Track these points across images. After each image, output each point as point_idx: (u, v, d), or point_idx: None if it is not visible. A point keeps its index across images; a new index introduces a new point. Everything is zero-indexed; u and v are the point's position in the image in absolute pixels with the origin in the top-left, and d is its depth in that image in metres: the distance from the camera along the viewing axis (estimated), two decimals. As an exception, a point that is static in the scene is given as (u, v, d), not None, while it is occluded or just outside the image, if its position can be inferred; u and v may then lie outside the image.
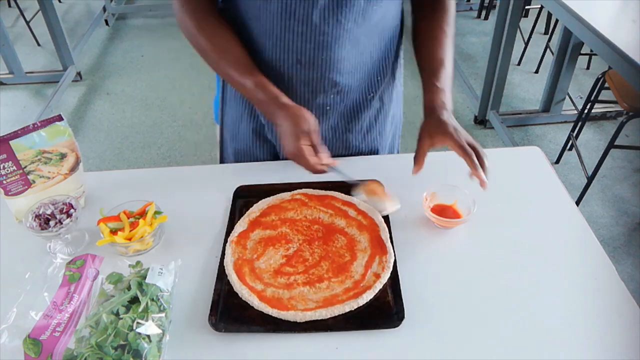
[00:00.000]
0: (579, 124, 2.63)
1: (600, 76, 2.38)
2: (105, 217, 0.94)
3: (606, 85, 2.33)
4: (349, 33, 0.97)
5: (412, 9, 1.09)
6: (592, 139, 2.88)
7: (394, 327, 0.78)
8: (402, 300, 0.81)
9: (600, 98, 2.47)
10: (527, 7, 3.63)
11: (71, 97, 3.39)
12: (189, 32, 1.00)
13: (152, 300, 0.77)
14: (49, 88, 3.42)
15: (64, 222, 0.92)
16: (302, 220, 0.96)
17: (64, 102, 3.32)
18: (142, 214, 0.94)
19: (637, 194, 2.50)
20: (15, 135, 0.95)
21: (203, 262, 0.91)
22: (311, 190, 1.03)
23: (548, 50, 3.34)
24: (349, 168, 0.96)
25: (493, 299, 0.83)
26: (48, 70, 3.60)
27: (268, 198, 1.02)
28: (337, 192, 1.02)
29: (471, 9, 4.42)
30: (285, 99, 0.94)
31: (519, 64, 3.60)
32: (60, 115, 1.00)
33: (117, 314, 0.74)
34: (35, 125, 0.97)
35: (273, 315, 0.79)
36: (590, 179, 2.31)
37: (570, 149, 2.76)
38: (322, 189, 1.03)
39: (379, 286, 0.83)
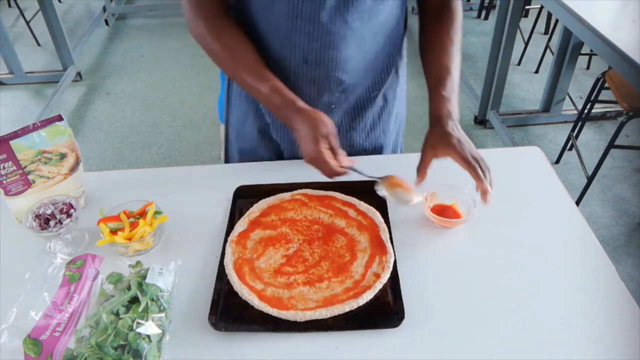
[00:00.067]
0: (579, 124, 2.63)
1: (600, 76, 2.38)
2: (105, 217, 0.94)
3: (606, 85, 2.33)
4: (355, 32, 0.98)
5: (419, 14, 1.09)
6: (592, 139, 2.88)
7: (394, 327, 0.78)
8: (402, 300, 0.81)
9: (600, 98, 2.47)
10: (527, 7, 3.63)
11: (71, 97, 3.39)
12: (202, 37, 1.00)
13: (152, 300, 0.77)
14: (49, 88, 3.42)
15: (64, 222, 0.92)
16: (302, 221, 0.96)
17: (64, 102, 3.32)
18: (142, 214, 0.95)
19: (637, 194, 2.50)
20: (15, 135, 0.95)
21: (203, 262, 0.91)
22: (311, 190, 1.03)
23: (548, 50, 3.34)
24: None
25: (493, 299, 0.83)
26: (48, 70, 3.60)
27: (268, 198, 1.02)
28: (337, 193, 1.02)
29: (471, 9, 4.42)
30: (301, 103, 0.94)
31: (519, 64, 3.60)
32: (60, 115, 1.00)
33: (117, 314, 0.74)
34: (35, 125, 0.97)
35: (273, 314, 0.79)
36: (590, 179, 2.31)
37: (570, 149, 2.76)
38: (322, 189, 1.03)
39: (379, 286, 0.83)
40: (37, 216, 0.94)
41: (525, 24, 3.59)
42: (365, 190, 1.01)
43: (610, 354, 0.75)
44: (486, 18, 4.28)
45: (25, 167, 0.97)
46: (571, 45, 2.70)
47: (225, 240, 0.93)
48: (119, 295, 0.77)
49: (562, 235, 0.95)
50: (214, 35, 0.99)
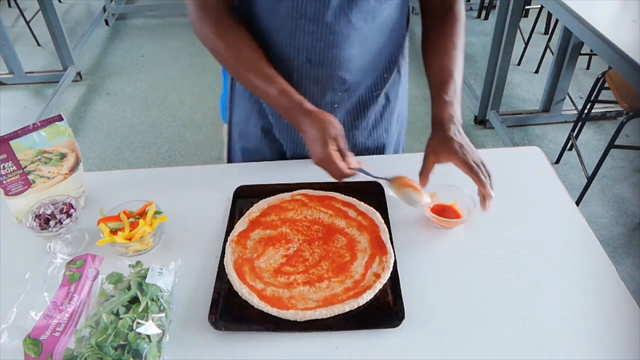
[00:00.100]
0: (579, 124, 2.63)
1: (600, 76, 2.38)
2: (105, 217, 0.94)
3: (606, 85, 2.33)
4: (358, 32, 0.98)
5: (422, 17, 1.09)
6: (592, 139, 2.88)
7: (394, 327, 0.78)
8: (402, 300, 0.81)
9: (600, 98, 2.47)
10: (527, 7, 3.63)
11: (71, 97, 3.39)
12: (208, 39, 1.00)
13: (152, 300, 0.77)
14: (49, 88, 3.42)
15: (64, 222, 0.92)
16: (302, 221, 0.96)
17: (64, 102, 3.32)
18: (142, 214, 0.95)
19: (637, 194, 2.50)
20: (15, 135, 0.95)
21: (203, 262, 0.91)
22: (311, 190, 1.03)
23: (548, 50, 3.34)
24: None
25: (493, 299, 0.83)
26: (48, 70, 3.60)
27: (268, 198, 1.02)
28: (337, 193, 1.02)
29: (471, 9, 4.42)
30: (309, 105, 0.94)
31: (519, 64, 3.60)
32: (60, 115, 1.00)
33: (117, 314, 0.74)
34: (35, 125, 0.97)
35: (273, 314, 0.79)
36: (590, 179, 2.31)
37: (570, 149, 2.76)
38: (322, 190, 1.03)
39: (379, 286, 0.83)
40: (37, 216, 0.94)
41: (525, 24, 3.59)
42: (365, 191, 1.01)
43: (610, 354, 0.75)
44: (486, 18, 4.28)
45: (25, 167, 0.97)
46: (571, 45, 2.70)
47: (225, 240, 0.93)
48: (119, 295, 0.77)
49: (562, 235, 0.95)
50: (219, 37, 0.99)
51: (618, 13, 2.12)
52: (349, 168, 0.91)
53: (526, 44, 3.56)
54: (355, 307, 0.80)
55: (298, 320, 0.79)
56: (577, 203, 2.29)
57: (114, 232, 0.92)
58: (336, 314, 0.79)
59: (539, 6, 3.46)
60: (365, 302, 0.81)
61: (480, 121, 3.04)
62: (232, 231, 0.95)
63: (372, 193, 1.02)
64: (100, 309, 0.75)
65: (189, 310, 0.83)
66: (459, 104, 0.97)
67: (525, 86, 3.40)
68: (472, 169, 0.88)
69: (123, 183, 1.11)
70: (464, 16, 1.06)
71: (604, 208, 2.43)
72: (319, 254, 0.90)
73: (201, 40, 1.02)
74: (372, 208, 0.97)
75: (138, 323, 0.73)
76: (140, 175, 1.19)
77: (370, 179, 0.95)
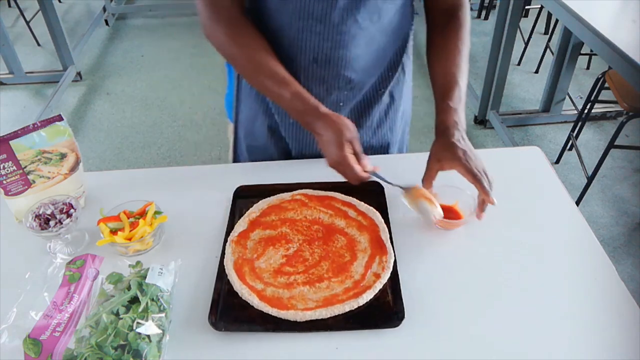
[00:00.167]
0: (579, 124, 2.63)
1: (600, 76, 2.38)
2: (105, 217, 0.94)
3: (606, 85, 2.33)
4: (364, 32, 0.98)
5: (427, 22, 1.09)
6: (592, 139, 2.88)
7: (394, 327, 0.78)
8: (402, 300, 0.81)
9: (600, 98, 2.47)
10: (527, 7, 3.63)
11: (71, 97, 3.39)
12: (220, 41, 0.99)
13: (152, 300, 0.77)
14: (49, 88, 3.42)
15: (64, 222, 0.92)
16: (302, 221, 0.96)
17: (64, 102, 3.32)
18: (142, 214, 0.95)
19: (637, 194, 2.50)
20: (15, 135, 0.95)
21: (203, 262, 0.91)
22: (311, 190, 1.03)
23: (548, 50, 3.34)
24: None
25: (493, 299, 0.83)
26: (48, 70, 3.60)
27: (268, 198, 1.02)
28: (337, 193, 1.02)
29: (471, 8, 4.40)
30: (324, 109, 0.94)
31: (519, 64, 3.60)
32: (60, 115, 1.00)
33: (117, 314, 0.74)
34: (35, 125, 0.97)
35: (273, 314, 0.79)
36: (590, 179, 2.31)
37: (570, 149, 2.76)
38: (322, 190, 1.03)
39: (379, 286, 0.83)
40: (37, 216, 0.94)
41: (525, 24, 3.59)
42: (365, 191, 1.01)
43: (610, 354, 0.75)
44: (486, 18, 4.28)
45: (25, 167, 0.97)
46: (571, 45, 2.70)
47: (225, 240, 0.93)
48: (119, 295, 0.77)
49: (562, 235, 0.95)
50: (232, 39, 0.98)
51: (618, 13, 2.12)
52: (364, 171, 0.91)
53: (526, 44, 3.56)
54: (355, 307, 0.80)
55: (298, 320, 0.79)
56: (577, 203, 2.29)
57: (114, 232, 0.92)
58: (336, 314, 0.79)
59: (539, 6, 3.46)
60: (365, 302, 0.81)
61: (480, 121, 3.04)
62: (232, 231, 0.95)
63: (372, 193, 1.02)
64: (100, 309, 0.75)
65: (189, 310, 0.83)
66: (464, 110, 0.97)
67: (525, 86, 3.40)
68: (475, 176, 0.88)
69: (123, 183, 1.11)
70: (469, 21, 1.05)
71: (604, 208, 2.43)
72: (319, 254, 0.90)
73: (212, 42, 1.00)
74: (372, 208, 0.97)
75: (138, 323, 0.73)
76: (140, 175, 1.19)
77: (397, 183, 0.94)
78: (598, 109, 2.89)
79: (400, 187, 0.95)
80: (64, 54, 3.47)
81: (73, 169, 1.02)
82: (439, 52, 1.04)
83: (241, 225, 0.96)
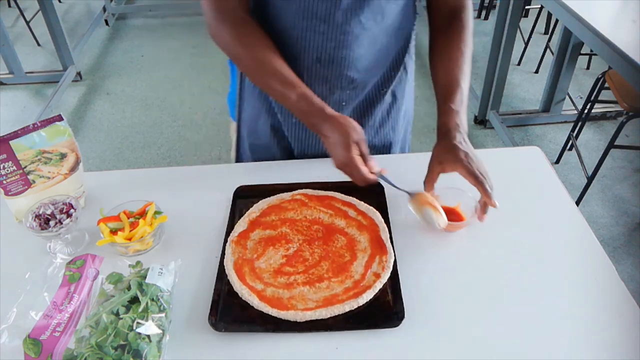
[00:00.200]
0: (579, 124, 2.63)
1: (600, 76, 2.38)
2: (105, 217, 0.94)
3: (606, 85, 2.33)
4: (368, 32, 0.99)
5: (429, 24, 1.09)
6: (592, 139, 2.88)
7: (394, 327, 0.78)
8: (402, 300, 0.81)
9: (600, 98, 2.47)
10: (527, 7, 3.63)
11: (71, 97, 3.39)
12: (225, 42, 0.99)
13: (152, 300, 0.77)
14: (49, 88, 3.42)
15: (64, 222, 0.92)
16: (302, 221, 0.96)
17: (64, 102, 3.32)
18: (142, 214, 0.95)
19: (637, 194, 2.50)
20: (15, 135, 0.95)
21: (203, 262, 0.91)
22: (311, 190, 1.03)
23: (548, 50, 3.34)
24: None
25: (492, 299, 0.83)
26: (48, 70, 3.60)
27: (268, 198, 1.02)
28: (337, 193, 1.02)
29: (471, 9, 4.41)
30: (330, 110, 0.94)
31: (519, 64, 3.60)
32: (60, 115, 1.00)
33: (117, 314, 0.74)
34: (35, 125, 0.97)
35: (273, 315, 0.79)
36: (590, 179, 2.31)
37: (570, 149, 2.76)
38: (322, 190, 1.03)
39: (379, 286, 0.83)
40: (37, 216, 0.94)
41: (525, 24, 3.59)
42: (365, 191, 1.01)
43: (610, 354, 0.75)
44: (486, 18, 4.28)
45: (25, 167, 0.97)
46: (571, 45, 2.70)
47: (225, 240, 0.93)
48: (119, 295, 0.77)
49: (562, 235, 0.95)
50: (237, 39, 0.97)
51: (618, 13, 2.12)
52: (371, 172, 0.91)
53: (526, 44, 3.56)
54: (355, 307, 0.80)
55: (298, 320, 0.79)
56: (577, 203, 2.29)
57: (114, 232, 0.92)
58: (336, 314, 0.79)
59: (539, 6, 3.46)
60: (365, 302, 0.81)
61: (480, 121, 3.04)
62: (232, 231, 0.95)
63: (372, 193, 1.02)
64: (100, 309, 0.75)
65: (189, 310, 0.83)
66: (465, 113, 0.97)
67: (525, 86, 3.40)
68: (477, 179, 0.88)
69: (123, 183, 1.11)
70: (471, 24, 1.05)
71: (604, 208, 2.43)
72: (319, 254, 0.90)
73: (217, 42, 1.00)
74: (372, 208, 0.97)
75: (138, 323, 0.73)
76: (140, 175, 1.19)
77: (403, 188, 0.94)
78: (598, 109, 2.89)
79: (407, 192, 0.94)
80: (64, 54, 3.46)
81: (73, 169, 1.02)
82: (441, 54, 1.04)
83: (241, 225, 0.96)
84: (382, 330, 0.78)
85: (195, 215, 1.01)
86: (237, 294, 0.83)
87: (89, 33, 4.04)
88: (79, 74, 3.55)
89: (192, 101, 3.31)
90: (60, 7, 4.59)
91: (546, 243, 0.93)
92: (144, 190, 1.04)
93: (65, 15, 4.50)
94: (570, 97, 2.96)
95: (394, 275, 0.85)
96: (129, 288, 0.78)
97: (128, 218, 0.93)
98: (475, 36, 1.06)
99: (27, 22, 3.88)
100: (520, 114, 3.04)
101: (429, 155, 0.95)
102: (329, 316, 0.79)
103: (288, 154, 1.19)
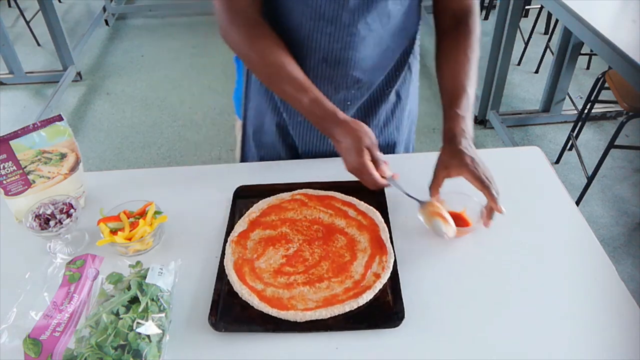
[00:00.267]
0: (579, 124, 2.63)
1: (600, 76, 2.38)
2: (105, 217, 0.94)
3: (606, 85, 2.33)
4: (374, 33, 0.99)
5: (435, 29, 1.08)
6: (592, 139, 2.88)
7: (394, 327, 0.78)
8: (402, 300, 0.81)
9: (600, 98, 2.47)
10: (527, 7, 3.63)
11: (71, 97, 3.39)
12: (238, 45, 0.99)
13: (152, 300, 0.77)
14: (49, 88, 3.42)
15: (64, 222, 0.92)
16: (302, 220, 0.96)
17: (64, 102, 3.32)
18: (142, 214, 0.95)
19: (637, 194, 2.50)
20: (15, 135, 0.95)
21: (203, 262, 0.91)
22: (311, 190, 1.03)
23: (548, 50, 3.34)
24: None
25: (492, 299, 0.83)
26: (48, 70, 3.60)
27: (268, 198, 1.02)
28: (337, 193, 1.02)
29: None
30: (342, 115, 0.94)
31: (519, 64, 3.60)
32: (60, 115, 1.00)
33: (117, 314, 0.74)
34: (35, 125, 0.97)
35: (273, 315, 0.79)
36: (590, 179, 2.31)
37: (570, 149, 2.76)
38: (322, 189, 1.03)
39: (379, 286, 0.83)
40: (37, 216, 0.94)
41: (525, 24, 3.59)
42: (365, 190, 1.01)
43: (610, 354, 0.75)
44: (486, 18, 4.27)
45: (25, 167, 0.97)
46: (571, 45, 2.70)
47: (225, 240, 0.93)
48: (119, 295, 0.77)
49: (562, 235, 0.95)
50: (250, 42, 0.97)
51: (618, 13, 2.12)
52: (383, 177, 0.91)
53: (526, 44, 3.56)
54: (355, 307, 0.80)
55: (298, 320, 0.79)
56: (577, 203, 2.29)
57: (114, 232, 0.92)
58: (336, 314, 0.79)
59: (539, 6, 3.46)
60: (365, 302, 0.81)
61: (480, 121, 3.04)
62: (232, 231, 0.95)
63: (372, 192, 1.01)
64: (100, 309, 0.75)
65: (189, 310, 0.83)
66: (471, 118, 0.96)
67: (525, 86, 3.40)
68: (483, 183, 0.87)
69: (123, 183, 1.11)
70: (478, 29, 1.04)
71: (604, 208, 2.43)
72: (319, 254, 0.90)
73: (229, 44, 1.00)
74: (372, 207, 0.97)
75: (138, 323, 0.73)
76: (140, 175, 1.19)
77: (413, 195, 0.94)
78: (598, 109, 2.89)
79: (417, 200, 0.94)
80: (64, 54, 3.46)
81: (73, 169, 1.02)
82: (447, 58, 1.04)
83: (241, 225, 0.96)
84: (382, 330, 0.78)
85: (195, 215, 1.01)
86: (237, 294, 0.83)
87: (89, 33, 4.04)
88: (79, 74, 3.55)
89: (192, 101, 3.31)
90: (60, 7, 4.59)
91: (546, 243, 0.93)
92: (144, 190, 1.04)
93: (65, 15, 4.50)
94: (570, 97, 2.96)
95: (394, 275, 0.85)
96: (129, 288, 0.78)
97: (128, 218, 0.93)
98: (476, 36, 1.05)
99: (27, 22, 3.88)
100: (520, 114, 3.04)
101: (433, 155, 0.95)
102: (329, 316, 0.79)
103: (293, 152, 1.19)
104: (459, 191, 0.95)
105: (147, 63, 3.79)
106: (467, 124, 0.95)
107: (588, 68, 3.52)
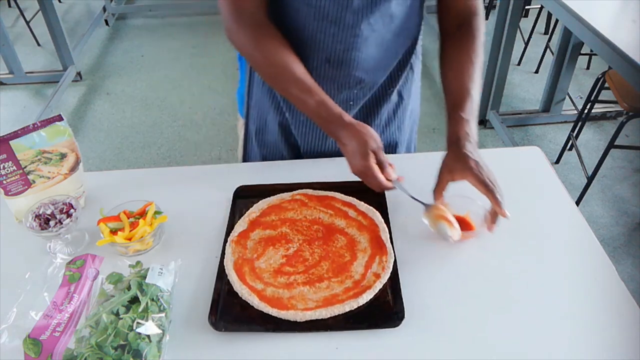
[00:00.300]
0: (579, 124, 2.63)
1: (600, 76, 2.38)
2: (105, 217, 0.94)
3: (606, 85, 2.33)
4: (377, 34, 0.99)
5: (440, 32, 1.08)
6: (592, 139, 2.88)
7: (394, 327, 0.78)
8: (402, 300, 0.81)
9: (600, 98, 2.47)
10: (527, 7, 3.63)
11: (71, 97, 3.39)
12: (244, 46, 0.99)
13: (152, 300, 0.77)
14: (49, 88, 3.42)
15: (64, 222, 0.92)
16: (302, 221, 0.96)
17: (64, 102, 3.32)
18: (142, 214, 0.95)
19: (637, 194, 2.50)
20: (15, 135, 0.95)
21: (203, 262, 0.91)
22: (311, 190, 1.03)
23: (548, 50, 3.34)
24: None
25: (492, 298, 0.83)
26: (48, 70, 3.60)
27: (268, 198, 1.02)
28: (337, 193, 1.02)
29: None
30: (348, 118, 0.94)
31: (519, 64, 3.60)
32: (60, 115, 1.00)
33: (117, 314, 0.74)
34: (35, 125, 0.97)
35: (273, 314, 0.79)
36: (590, 179, 2.31)
37: (570, 149, 2.76)
38: (322, 190, 1.03)
39: (378, 286, 0.83)
40: (37, 216, 0.94)
41: (525, 24, 3.59)
42: (365, 191, 1.01)
43: (610, 354, 0.75)
44: (486, 18, 4.27)
45: (25, 167, 0.97)
46: (571, 45, 2.70)
47: (225, 240, 0.93)
48: (119, 295, 0.77)
49: (562, 235, 0.95)
50: (256, 44, 0.97)
51: (618, 13, 2.12)
52: (388, 180, 0.91)
53: (526, 44, 3.56)
54: (355, 307, 0.80)
55: (298, 320, 0.79)
56: (577, 203, 2.29)
57: (114, 232, 0.92)
58: (336, 314, 0.79)
59: (539, 6, 3.46)
60: (365, 302, 0.81)
61: (480, 121, 3.04)
62: (232, 231, 0.95)
63: (372, 193, 1.01)
64: (100, 309, 0.75)
65: (189, 310, 0.83)
66: (476, 122, 0.96)
67: (525, 86, 3.40)
68: (487, 187, 0.87)
69: (123, 183, 1.11)
70: (483, 32, 1.04)
71: (604, 208, 2.43)
72: (319, 254, 0.90)
73: (236, 45, 1.00)
74: (372, 208, 0.97)
75: (138, 323, 0.73)
76: (140, 175, 1.19)
77: (418, 198, 0.94)
78: (598, 109, 2.89)
79: (422, 204, 0.94)
80: (64, 54, 3.46)
81: (73, 169, 1.02)
82: (452, 61, 1.03)
83: (241, 225, 0.96)
84: (382, 330, 0.78)
85: (195, 215, 1.01)
86: (237, 293, 0.83)
87: (89, 33, 4.04)
88: (79, 74, 3.55)
89: (192, 101, 3.31)
90: (60, 7, 4.59)
91: (546, 243, 0.93)
92: (144, 190, 1.04)
93: (65, 15, 4.50)
94: (570, 97, 2.96)
95: (394, 275, 0.85)
96: (129, 288, 0.78)
97: (128, 218, 0.93)
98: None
99: (27, 22, 3.88)
100: (520, 114, 3.04)
101: (434, 155, 0.95)
102: (329, 316, 0.79)
103: (295, 151, 1.19)
104: (462, 195, 0.94)
105: (147, 63, 3.79)
106: (472, 128, 0.94)
107: (588, 68, 3.52)
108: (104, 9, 4.35)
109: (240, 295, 0.83)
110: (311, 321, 0.79)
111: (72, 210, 0.95)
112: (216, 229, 0.98)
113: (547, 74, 2.95)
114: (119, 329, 0.72)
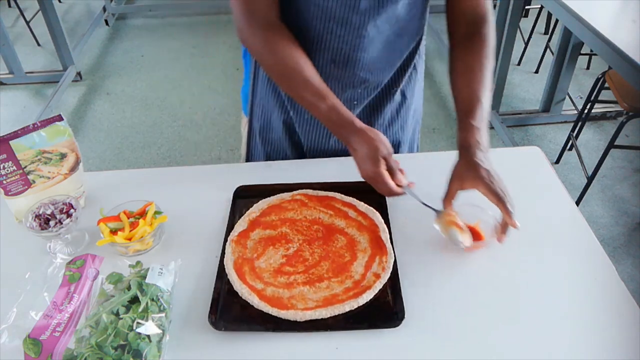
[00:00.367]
0: (579, 124, 2.63)
1: (600, 76, 2.38)
2: (105, 217, 0.94)
3: (606, 85, 2.33)
4: (382, 35, 0.99)
5: (449, 39, 1.07)
6: (592, 139, 2.88)
7: (394, 326, 0.78)
8: (402, 300, 0.81)
9: (600, 98, 2.47)
10: (527, 7, 3.63)
11: (71, 97, 3.39)
12: (256, 49, 0.98)
13: (152, 300, 0.77)
14: (49, 88, 3.42)
15: (64, 222, 0.92)
16: (302, 221, 0.96)
17: (64, 102, 3.32)
18: (142, 214, 0.95)
19: (637, 194, 2.50)
20: (15, 135, 0.95)
21: (203, 262, 0.91)
22: (311, 190, 1.03)
23: (548, 50, 3.34)
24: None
25: (492, 298, 0.83)
26: (48, 70, 3.59)
27: (268, 198, 1.02)
28: (337, 193, 1.02)
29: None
30: (359, 123, 0.94)
31: (519, 64, 3.60)
32: (60, 115, 1.00)
33: (117, 314, 0.74)
34: (35, 125, 0.97)
35: (273, 314, 0.79)
36: (590, 179, 2.31)
37: (570, 149, 2.76)
38: (322, 190, 1.03)
39: (378, 286, 0.83)
40: (37, 216, 0.94)
41: (525, 24, 3.59)
42: (365, 191, 1.01)
43: (610, 354, 0.75)
44: (486, 18, 4.28)
45: (25, 167, 0.97)
46: (571, 45, 2.70)
47: (225, 240, 0.93)
48: (119, 295, 0.77)
49: (562, 236, 0.95)
50: (269, 46, 0.96)
51: (618, 13, 2.12)
52: (398, 186, 0.91)
53: (526, 44, 3.56)
54: (355, 307, 0.80)
55: (298, 320, 0.79)
56: (577, 203, 2.29)
57: (114, 232, 0.92)
58: (336, 314, 0.79)
59: (539, 6, 3.46)
60: (365, 302, 0.81)
61: (481, 121, 3.04)
62: (232, 231, 0.95)
63: (372, 193, 1.01)
64: (100, 309, 0.75)
65: (189, 310, 0.83)
66: (486, 130, 0.94)
67: (525, 86, 3.40)
68: (498, 197, 0.86)
69: (123, 183, 1.11)
70: (492, 39, 1.03)
71: (604, 208, 2.43)
72: (319, 254, 0.90)
73: (248, 47, 1.00)
74: (372, 208, 0.98)
75: (138, 323, 0.73)
76: (140, 175, 1.19)
77: (429, 204, 0.93)
78: (598, 109, 2.89)
79: (433, 210, 0.93)
80: (64, 54, 3.46)
81: (73, 169, 1.02)
82: (462, 68, 1.02)
83: (241, 225, 0.96)
84: (382, 330, 0.78)
85: (195, 215, 1.01)
86: (237, 293, 0.83)
87: (89, 33, 4.04)
88: (79, 74, 3.55)
89: (192, 101, 3.31)
90: (60, 7, 4.59)
91: (546, 243, 0.93)
92: (144, 190, 1.04)
93: (65, 15, 4.50)
94: (570, 97, 2.96)
95: (394, 275, 0.85)
96: (129, 288, 0.78)
97: (128, 218, 0.93)
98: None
99: (27, 22, 3.88)
100: (520, 114, 3.04)
101: (435, 155, 0.95)
102: (329, 316, 0.79)
103: (299, 149, 1.19)
104: (472, 203, 0.93)
105: (147, 63, 3.79)
106: (482, 135, 0.93)
107: (588, 68, 3.52)
108: (104, 9, 4.34)
109: (240, 294, 0.83)
110: (311, 321, 0.79)
111: (72, 210, 0.95)
112: (216, 228, 0.98)
113: (547, 74, 2.95)
114: (119, 329, 0.72)
